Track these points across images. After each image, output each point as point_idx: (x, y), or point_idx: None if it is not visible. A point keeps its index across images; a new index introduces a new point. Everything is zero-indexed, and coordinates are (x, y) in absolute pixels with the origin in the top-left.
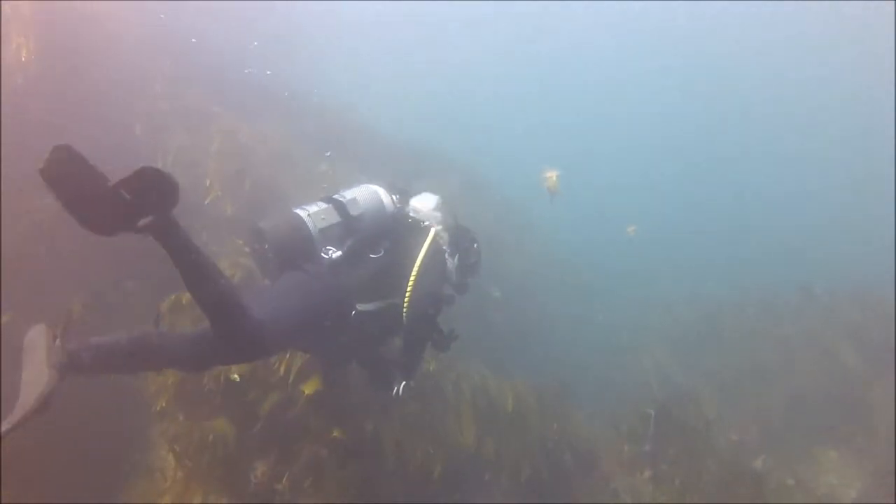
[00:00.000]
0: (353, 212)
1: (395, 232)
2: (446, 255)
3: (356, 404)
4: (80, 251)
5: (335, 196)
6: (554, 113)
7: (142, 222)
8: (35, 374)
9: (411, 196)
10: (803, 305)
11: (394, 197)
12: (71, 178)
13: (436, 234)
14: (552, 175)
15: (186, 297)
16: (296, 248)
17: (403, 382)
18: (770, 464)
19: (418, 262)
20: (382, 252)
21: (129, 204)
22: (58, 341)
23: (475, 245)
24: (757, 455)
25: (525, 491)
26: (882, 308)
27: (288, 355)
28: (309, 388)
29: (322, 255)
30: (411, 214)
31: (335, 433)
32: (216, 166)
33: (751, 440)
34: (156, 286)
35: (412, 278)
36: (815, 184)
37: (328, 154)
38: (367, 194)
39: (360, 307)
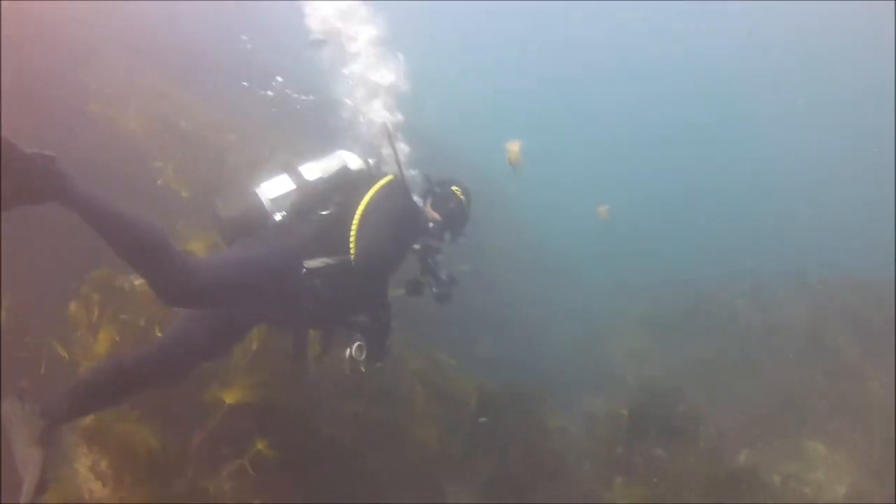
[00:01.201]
0: (310, 176)
1: (352, 186)
2: (416, 200)
3: (309, 401)
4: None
5: (293, 165)
6: (535, 92)
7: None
8: (26, 455)
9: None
10: (797, 293)
11: (369, 161)
12: None
13: (393, 178)
14: (514, 146)
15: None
16: (248, 221)
17: (357, 344)
18: (754, 459)
19: (360, 207)
20: (333, 207)
21: None
22: (29, 408)
23: (454, 188)
24: (740, 450)
25: (490, 493)
26: (881, 295)
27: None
28: (231, 397)
29: (270, 220)
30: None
31: (259, 446)
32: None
33: (734, 434)
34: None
35: (354, 224)
36: (814, 174)
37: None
38: (328, 159)
39: (309, 264)
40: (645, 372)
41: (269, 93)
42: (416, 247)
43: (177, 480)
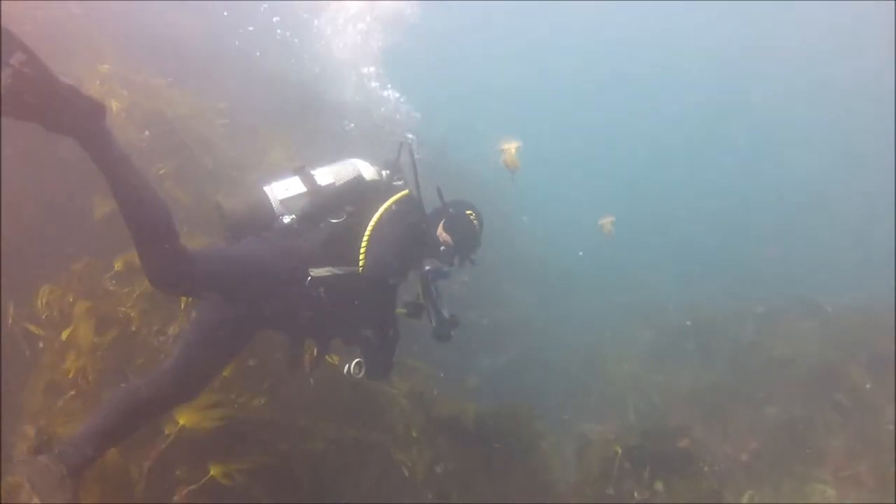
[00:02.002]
0: (322, 181)
1: (364, 197)
2: (430, 221)
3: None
4: None
5: (306, 168)
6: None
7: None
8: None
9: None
10: (808, 319)
11: (383, 172)
12: None
13: (408, 194)
14: (511, 147)
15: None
16: (253, 219)
17: (356, 361)
18: (758, 501)
19: (374, 219)
20: (344, 216)
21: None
22: (54, 468)
23: (468, 212)
24: (744, 491)
25: None
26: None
27: None
28: (185, 418)
29: (278, 223)
30: (395, 183)
31: (213, 471)
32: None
33: (738, 471)
34: None
35: (365, 237)
36: (815, 191)
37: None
38: (342, 165)
39: (314, 272)
40: (645, 399)
41: None
42: (427, 267)
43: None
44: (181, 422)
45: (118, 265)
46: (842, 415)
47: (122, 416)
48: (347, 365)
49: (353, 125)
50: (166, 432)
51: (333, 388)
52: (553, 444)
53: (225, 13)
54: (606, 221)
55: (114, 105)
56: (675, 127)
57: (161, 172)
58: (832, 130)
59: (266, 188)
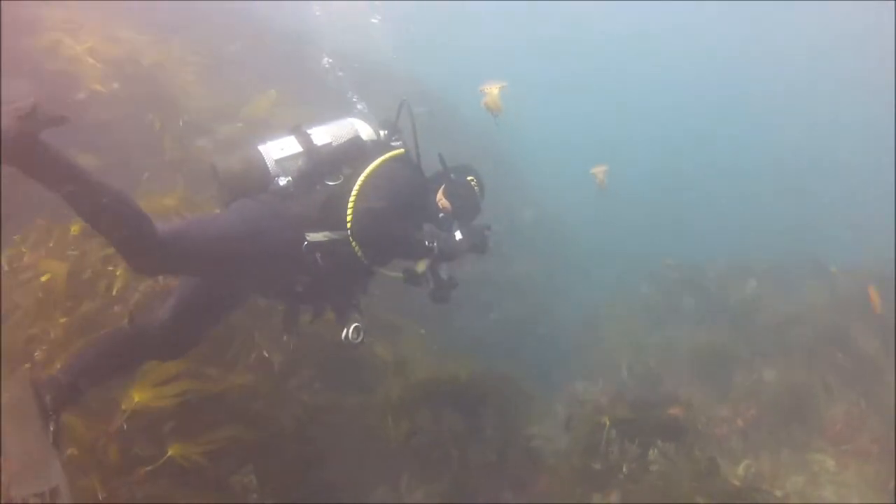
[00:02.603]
0: (318, 141)
1: (361, 157)
2: (429, 186)
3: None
4: None
5: (302, 127)
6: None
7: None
8: (41, 457)
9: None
10: (811, 279)
11: (381, 132)
12: None
13: (404, 153)
14: (493, 89)
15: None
16: (248, 180)
17: (354, 325)
18: (754, 471)
19: (363, 175)
20: (341, 178)
21: None
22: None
23: (470, 178)
24: (740, 460)
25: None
26: None
27: None
28: (140, 394)
29: (274, 184)
30: (393, 143)
31: (171, 451)
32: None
33: (734, 440)
34: None
35: (354, 192)
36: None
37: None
38: (339, 125)
39: (311, 237)
40: (640, 358)
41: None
42: (428, 241)
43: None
44: (136, 398)
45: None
46: (844, 380)
47: (103, 354)
48: (345, 329)
49: (330, 61)
50: (122, 408)
51: (310, 352)
52: (542, 409)
53: None
54: (599, 171)
55: (79, 51)
56: (679, 113)
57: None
58: (832, 130)
59: (261, 148)
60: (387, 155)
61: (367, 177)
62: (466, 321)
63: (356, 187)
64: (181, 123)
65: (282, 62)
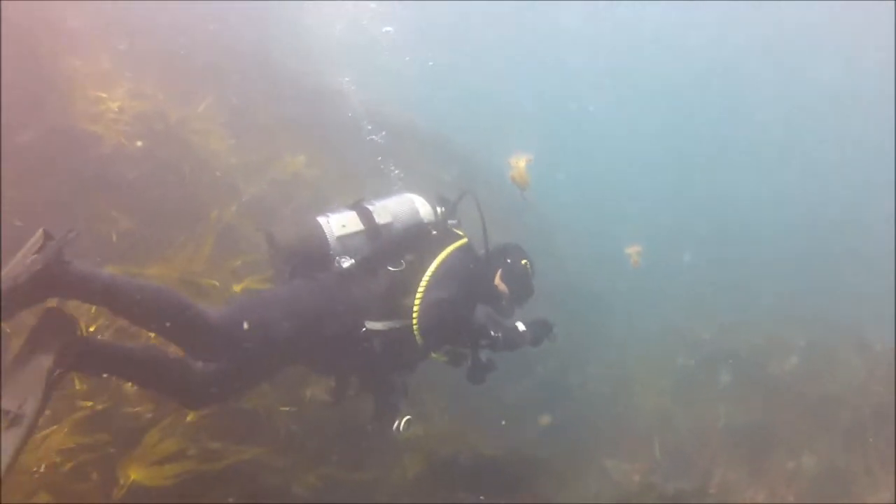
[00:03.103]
0: (380, 220)
1: (424, 244)
2: (490, 268)
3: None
4: None
5: (363, 203)
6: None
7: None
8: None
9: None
10: (854, 356)
11: (438, 209)
12: None
13: (466, 243)
14: (520, 161)
15: None
16: (308, 255)
17: (407, 418)
18: None
19: (430, 270)
20: (404, 265)
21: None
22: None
23: (524, 261)
24: None
25: None
26: None
27: None
28: (138, 473)
29: (336, 264)
30: (452, 226)
31: None
32: None
33: None
34: None
35: (421, 287)
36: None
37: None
38: (399, 202)
39: (370, 325)
40: (673, 435)
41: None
42: (491, 332)
43: None
44: (133, 476)
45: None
46: (887, 465)
47: (139, 359)
48: (397, 422)
49: (369, 128)
50: (120, 482)
51: (320, 424)
52: (569, 487)
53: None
54: (633, 251)
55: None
56: (688, 134)
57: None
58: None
59: (322, 220)
60: (451, 247)
61: (433, 272)
62: (495, 388)
63: (424, 280)
64: (209, 181)
65: (309, 114)
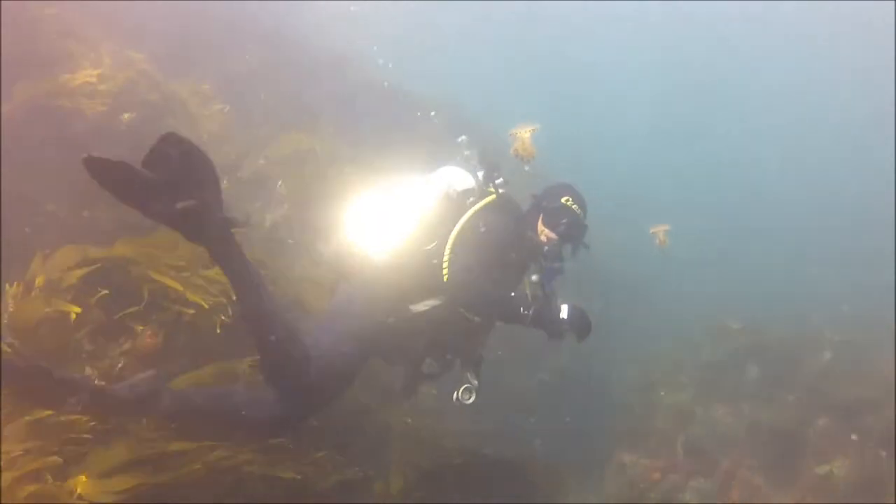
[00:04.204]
0: (412, 203)
1: (454, 215)
2: (526, 218)
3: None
4: None
5: (396, 187)
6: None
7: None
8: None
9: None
10: (892, 355)
11: (478, 174)
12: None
13: (495, 199)
14: (524, 133)
15: None
16: (350, 264)
17: (465, 386)
18: None
19: (454, 233)
20: (436, 241)
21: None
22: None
23: (564, 199)
24: None
25: None
26: None
27: None
28: (81, 486)
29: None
30: (497, 186)
31: None
32: None
33: None
34: None
35: (445, 257)
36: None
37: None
38: (434, 180)
39: (415, 308)
40: (696, 433)
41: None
42: (534, 278)
43: None
44: (78, 490)
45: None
46: None
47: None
48: (456, 392)
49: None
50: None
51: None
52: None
53: None
54: (660, 231)
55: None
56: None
57: None
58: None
59: (361, 221)
60: (474, 208)
61: (456, 236)
62: (510, 378)
63: (448, 249)
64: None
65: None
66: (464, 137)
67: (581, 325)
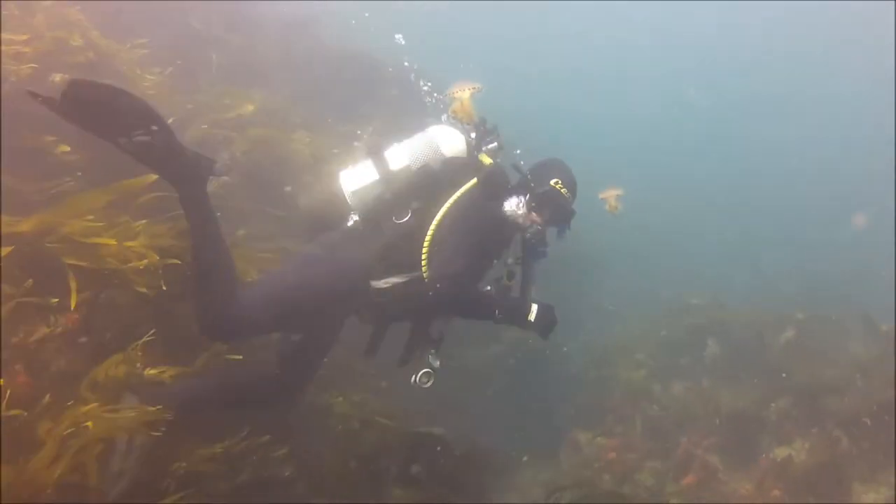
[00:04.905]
0: (395, 165)
1: (432, 187)
2: (510, 199)
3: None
4: None
5: (380, 148)
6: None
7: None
8: None
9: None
10: (856, 338)
11: (471, 136)
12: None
13: (482, 179)
14: (463, 93)
15: None
16: (327, 217)
17: (425, 370)
18: None
19: (437, 218)
20: (409, 214)
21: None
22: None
23: (553, 183)
24: None
25: None
26: None
27: None
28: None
29: (347, 222)
30: (490, 152)
31: None
32: None
33: None
34: None
35: (427, 238)
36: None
37: None
38: (420, 141)
39: (376, 285)
40: (654, 411)
41: None
42: (510, 261)
43: None
44: None
45: None
46: (887, 461)
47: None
48: (414, 375)
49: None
50: None
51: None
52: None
53: None
54: (610, 195)
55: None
56: (687, 121)
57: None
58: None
59: (342, 175)
60: (461, 189)
61: (440, 221)
62: (462, 355)
63: (429, 234)
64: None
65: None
66: (430, 84)
67: (547, 326)
